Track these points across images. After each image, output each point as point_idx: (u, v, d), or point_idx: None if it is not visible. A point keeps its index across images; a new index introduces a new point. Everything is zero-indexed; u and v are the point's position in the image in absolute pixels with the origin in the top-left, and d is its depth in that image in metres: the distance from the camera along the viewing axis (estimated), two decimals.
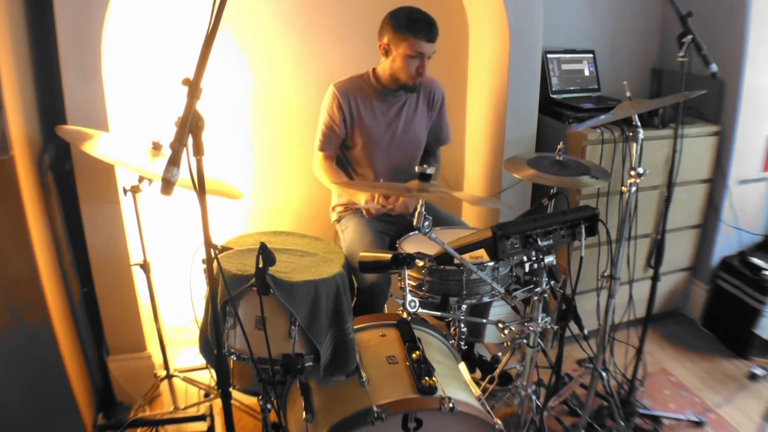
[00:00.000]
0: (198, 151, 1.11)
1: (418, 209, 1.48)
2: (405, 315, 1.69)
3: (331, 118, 2.21)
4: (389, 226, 2.30)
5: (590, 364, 2.01)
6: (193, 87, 1.06)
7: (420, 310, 1.64)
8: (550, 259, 1.61)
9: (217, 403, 2.15)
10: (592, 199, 2.49)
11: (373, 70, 2.25)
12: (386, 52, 2.15)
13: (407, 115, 2.31)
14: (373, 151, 2.27)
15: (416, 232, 1.50)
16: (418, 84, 2.19)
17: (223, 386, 1.32)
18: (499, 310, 2.70)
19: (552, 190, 1.97)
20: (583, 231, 1.60)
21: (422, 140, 2.39)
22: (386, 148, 2.28)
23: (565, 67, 2.77)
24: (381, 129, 2.26)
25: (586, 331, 1.81)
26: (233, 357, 1.49)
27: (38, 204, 1.83)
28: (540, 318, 1.67)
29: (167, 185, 1.03)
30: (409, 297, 1.62)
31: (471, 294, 1.82)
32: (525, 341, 1.72)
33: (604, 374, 2.00)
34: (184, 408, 2.17)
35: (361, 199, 2.19)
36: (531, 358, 1.73)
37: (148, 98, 2.38)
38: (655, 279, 2.15)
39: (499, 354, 2.21)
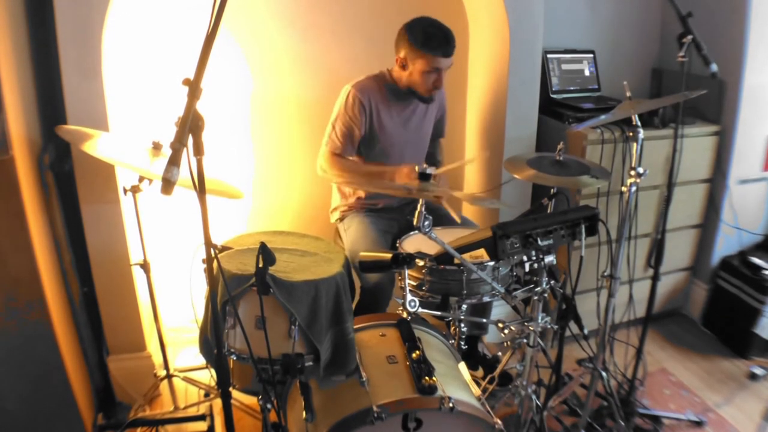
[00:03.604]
0: (198, 150, 1.11)
1: (418, 209, 1.48)
2: (405, 315, 1.69)
3: (352, 120, 2.17)
4: (392, 224, 2.31)
5: (590, 363, 2.01)
6: (194, 87, 1.06)
7: (420, 309, 1.64)
8: (550, 258, 1.61)
9: (217, 403, 2.15)
10: (592, 198, 2.49)
11: (389, 70, 2.25)
12: (403, 66, 2.15)
13: (420, 116, 2.33)
14: (389, 151, 2.27)
15: (416, 231, 1.51)
16: (433, 96, 2.21)
17: (223, 386, 1.32)
18: (499, 310, 2.70)
19: (552, 190, 1.97)
20: (583, 231, 1.60)
21: (429, 139, 2.43)
22: (402, 148, 2.29)
23: (565, 67, 2.77)
24: (398, 129, 2.26)
25: (586, 331, 1.81)
26: (233, 357, 1.49)
27: (38, 204, 1.83)
28: (540, 318, 1.67)
29: (167, 185, 1.03)
30: (409, 297, 1.62)
31: (471, 294, 1.82)
32: (525, 341, 1.72)
33: (604, 374, 2.00)
34: (184, 408, 2.17)
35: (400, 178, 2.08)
36: (531, 357, 1.73)
37: (148, 98, 2.37)
38: (655, 279, 2.15)
39: (500, 354, 2.22)
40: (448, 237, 1.76)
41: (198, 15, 2.32)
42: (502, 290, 1.73)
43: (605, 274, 1.98)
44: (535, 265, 1.61)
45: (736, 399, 2.40)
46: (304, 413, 1.45)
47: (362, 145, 2.26)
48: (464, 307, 1.87)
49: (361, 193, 2.33)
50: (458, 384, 1.54)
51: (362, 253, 1.70)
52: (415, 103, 2.29)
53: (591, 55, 2.83)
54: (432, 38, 2.06)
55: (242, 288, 1.40)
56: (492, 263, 1.80)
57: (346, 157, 2.22)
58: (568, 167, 1.91)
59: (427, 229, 1.49)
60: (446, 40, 2.08)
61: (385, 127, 2.23)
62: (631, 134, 1.91)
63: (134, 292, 2.24)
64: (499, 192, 2.61)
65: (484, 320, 2.29)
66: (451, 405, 1.36)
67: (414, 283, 1.84)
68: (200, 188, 1.14)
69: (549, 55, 2.70)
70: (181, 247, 2.49)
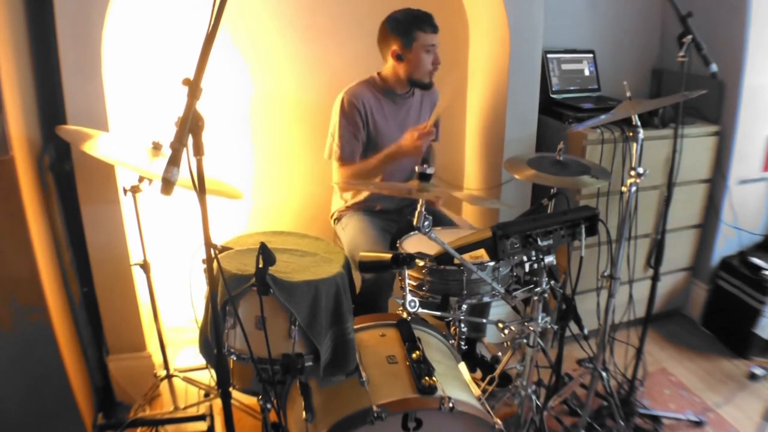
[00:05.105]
0: (198, 151, 1.11)
1: (418, 209, 1.48)
2: (405, 315, 1.69)
3: (352, 126, 2.18)
4: (391, 224, 2.31)
5: (590, 363, 2.01)
6: (193, 87, 1.06)
7: (420, 309, 1.64)
8: (550, 258, 1.61)
9: (217, 403, 2.15)
10: (592, 199, 2.49)
11: (378, 74, 2.25)
12: (399, 57, 2.15)
13: (414, 117, 2.33)
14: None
15: (416, 231, 1.50)
16: (433, 81, 2.22)
17: (223, 386, 1.32)
18: (499, 310, 2.70)
19: (552, 190, 1.97)
20: (583, 231, 1.60)
21: None
22: None
23: (565, 67, 2.77)
24: (393, 131, 2.26)
25: (586, 331, 1.81)
26: (233, 357, 1.49)
27: (38, 204, 1.83)
28: (540, 318, 1.67)
29: (167, 185, 1.03)
30: (409, 297, 1.62)
31: (471, 294, 1.82)
32: (525, 341, 1.72)
33: (604, 374, 2.00)
34: (184, 408, 2.17)
35: None
36: (531, 358, 1.72)
37: (148, 98, 2.38)
38: (655, 279, 2.15)
39: (500, 354, 2.22)
40: (448, 237, 1.75)
41: (198, 15, 2.32)
42: (502, 290, 1.73)
43: (605, 274, 1.98)
44: (535, 266, 1.61)
45: (736, 399, 2.40)
46: (304, 413, 1.45)
47: (362, 150, 2.26)
48: (464, 307, 1.87)
49: (360, 197, 2.33)
50: (458, 384, 1.54)
51: (362, 253, 1.70)
52: (409, 103, 2.30)
53: (591, 55, 2.83)
54: (417, 18, 2.11)
55: (242, 288, 1.40)
56: (492, 263, 1.80)
57: (351, 163, 2.22)
58: (568, 167, 1.91)
59: (426, 229, 1.48)
60: (429, 16, 2.13)
61: (381, 131, 2.23)
62: (631, 134, 1.91)
63: (134, 292, 2.24)
64: (499, 192, 2.61)
65: (484, 320, 2.29)
66: (451, 405, 1.36)
67: (414, 284, 1.84)
68: (200, 188, 1.14)
69: (549, 55, 2.70)
70: (181, 248, 2.49)
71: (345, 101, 2.18)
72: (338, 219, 2.37)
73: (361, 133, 2.20)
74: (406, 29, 2.10)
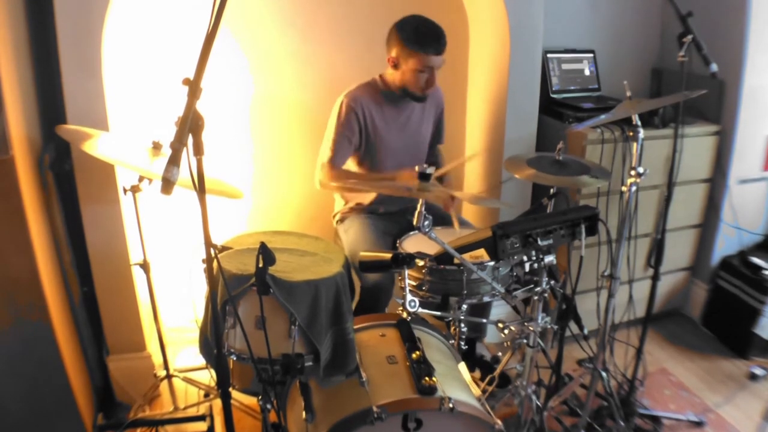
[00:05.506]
0: (198, 150, 1.11)
1: (418, 208, 1.48)
2: (405, 315, 1.69)
3: (347, 130, 2.16)
4: (392, 226, 2.30)
5: (590, 364, 2.01)
6: (193, 87, 1.06)
7: (420, 309, 1.64)
8: (550, 258, 1.61)
9: (217, 404, 2.14)
10: (592, 198, 2.49)
11: (381, 76, 2.24)
12: (395, 66, 2.13)
13: (416, 120, 2.31)
14: (384, 157, 2.26)
15: (416, 231, 1.50)
16: (426, 95, 2.19)
17: (222, 386, 1.32)
18: (499, 310, 2.70)
19: (552, 190, 1.97)
20: (583, 230, 1.60)
21: (427, 143, 2.42)
22: (397, 153, 2.28)
23: (565, 66, 2.77)
24: (393, 135, 2.25)
25: (586, 331, 1.81)
26: (233, 357, 1.49)
27: (38, 204, 1.83)
28: (540, 318, 1.67)
29: (167, 185, 1.03)
30: (409, 297, 1.62)
31: (471, 294, 1.82)
32: (525, 341, 1.72)
33: (604, 374, 2.00)
34: (184, 408, 2.16)
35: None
36: (531, 358, 1.73)
37: (148, 98, 2.37)
38: (655, 279, 2.15)
39: (499, 354, 2.22)
40: (448, 237, 1.75)
41: (198, 14, 2.32)
42: (502, 290, 1.73)
43: (605, 274, 1.98)
44: (535, 265, 1.61)
45: (736, 399, 2.40)
46: (304, 413, 1.45)
47: (361, 154, 2.25)
48: (464, 307, 1.87)
49: (363, 201, 2.32)
50: (458, 384, 1.54)
51: (362, 253, 1.70)
52: (411, 106, 2.28)
53: (591, 55, 2.83)
54: (423, 36, 2.05)
55: (242, 288, 1.40)
56: (492, 263, 1.80)
57: (338, 166, 2.20)
58: (568, 167, 1.91)
59: (426, 229, 1.48)
60: (437, 37, 2.06)
61: (381, 134, 2.22)
62: (631, 134, 1.91)
63: (134, 292, 2.24)
64: (499, 192, 2.61)
65: (484, 320, 2.29)
66: (451, 405, 1.36)
67: (414, 283, 1.84)
68: (200, 188, 1.14)
69: (549, 55, 2.70)
70: (181, 247, 2.49)
71: (344, 105, 2.16)
72: (341, 220, 2.36)
73: (354, 138, 2.18)
74: (409, 43, 2.05)
